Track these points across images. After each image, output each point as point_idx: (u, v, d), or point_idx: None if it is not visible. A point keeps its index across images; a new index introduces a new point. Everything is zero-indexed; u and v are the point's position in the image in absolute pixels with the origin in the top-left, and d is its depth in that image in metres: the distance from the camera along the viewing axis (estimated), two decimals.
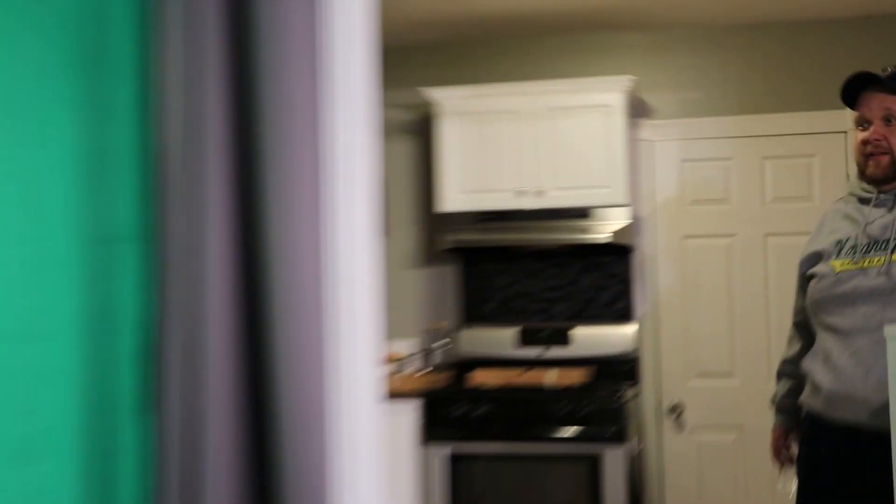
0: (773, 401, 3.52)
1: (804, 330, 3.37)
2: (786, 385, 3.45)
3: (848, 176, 4.66)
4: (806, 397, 3.25)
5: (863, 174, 3.17)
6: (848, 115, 3.25)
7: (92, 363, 2.19)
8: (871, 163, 3.11)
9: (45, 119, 2.19)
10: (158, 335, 2.23)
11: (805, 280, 3.29)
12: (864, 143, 3.12)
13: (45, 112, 2.21)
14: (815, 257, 3.26)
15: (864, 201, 3.19)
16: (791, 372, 3.41)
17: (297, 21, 2.08)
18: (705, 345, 5.08)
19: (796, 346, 3.40)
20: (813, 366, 3.19)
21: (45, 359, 2.16)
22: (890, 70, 3.12)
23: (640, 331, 5.14)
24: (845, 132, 4.76)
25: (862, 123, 3.13)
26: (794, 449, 3.43)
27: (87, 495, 2.18)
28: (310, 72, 2.07)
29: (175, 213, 2.16)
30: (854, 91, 3.13)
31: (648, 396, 5.09)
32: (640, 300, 5.21)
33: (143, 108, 2.26)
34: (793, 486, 3.43)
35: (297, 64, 2.08)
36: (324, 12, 2.10)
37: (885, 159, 3.09)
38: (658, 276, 5.19)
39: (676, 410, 5.03)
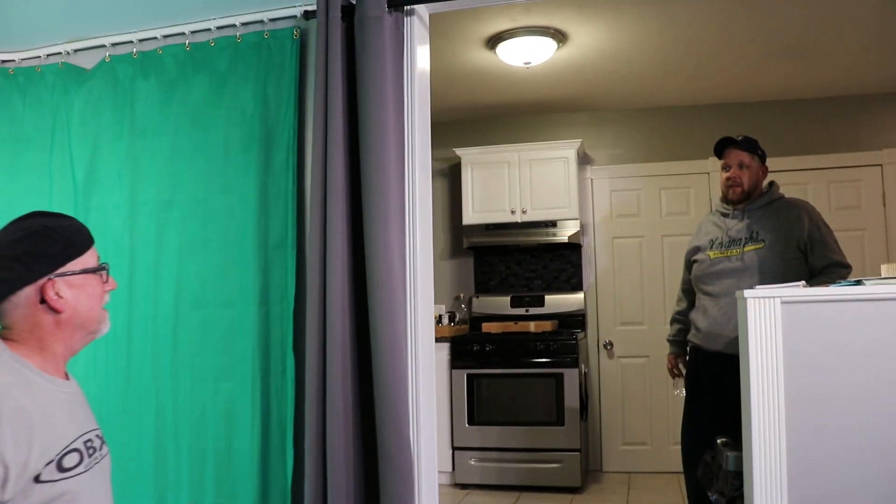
0: (668, 338, 3.85)
1: (688, 294, 3.71)
2: (675, 327, 3.79)
3: (710, 200, 5.00)
4: (691, 336, 3.58)
5: (725, 198, 3.50)
6: (709, 163, 3.47)
7: (262, 321, 2.60)
8: (731, 191, 3.45)
9: (234, 174, 2.65)
10: (302, 303, 2.52)
11: (689, 263, 3.66)
12: (728, 178, 3.46)
13: (234, 170, 2.66)
14: (696, 249, 3.60)
15: (724, 215, 3.51)
16: (679, 319, 3.77)
17: (390, 113, 2.40)
18: (625, 305, 5.57)
19: (683, 304, 3.75)
20: (696, 316, 3.53)
21: (236, 318, 2.62)
22: (740, 136, 3.48)
23: (586, 296, 5.62)
24: (708, 173, 5.30)
25: (725, 168, 3.47)
26: (682, 368, 3.75)
27: (260, 402, 2.53)
28: (398, 143, 2.47)
29: (312, 230, 2.44)
30: (720, 147, 3.52)
31: (591, 337, 5.59)
32: (586, 277, 5.67)
33: (293, 167, 2.62)
34: (682, 391, 3.70)
35: (389, 138, 2.40)
36: (405, 106, 2.51)
37: (739, 189, 3.42)
38: (597, 263, 5.66)
39: (608, 346, 5.54)
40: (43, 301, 1.54)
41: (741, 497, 2.34)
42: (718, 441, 2.68)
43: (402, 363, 2.32)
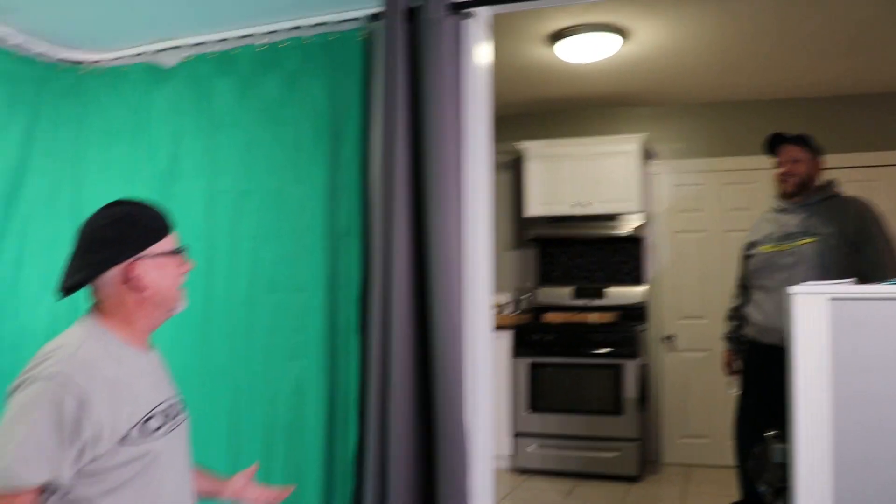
0: (724, 335, 3.87)
1: (743, 289, 3.73)
2: (732, 324, 3.80)
3: (774, 196, 5.20)
4: (747, 330, 3.60)
5: (781, 193, 3.54)
6: (771, 160, 3.57)
7: (329, 304, 2.73)
8: (786, 183, 3.49)
9: (305, 166, 2.78)
10: (366, 288, 2.64)
11: (745, 258, 3.68)
12: (781, 173, 3.52)
13: (306, 163, 2.78)
14: (751, 245, 3.64)
15: (780, 211, 3.56)
16: (735, 316, 3.78)
17: (449, 110, 2.50)
18: (687, 298, 5.56)
19: (738, 300, 3.75)
20: (751, 310, 3.56)
21: (306, 301, 2.74)
22: (791, 133, 3.53)
23: (648, 289, 5.64)
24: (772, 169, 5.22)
25: (779, 164, 3.54)
26: (736, 365, 3.76)
27: (327, 380, 2.67)
28: (457, 138, 2.54)
29: (376, 220, 2.56)
30: (773, 144, 3.58)
31: (653, 330, 5.59)
32: (649, 270, 5.68)
33: (359, 160, 2.74)
34: (735, 388, 3.72)
35: (449, 134, 2.50)
36: (464, 104, 2.58)
37: (794, 180, 3.46)
38: (659, 256, 5.67)
39: (670, 339, 5.55)
40: (127, 281, 1.69)
41: (787, 488, 2.32)
42: (767, 434, 2.68)
43: (456, 346, 2.43)
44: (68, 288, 1.71)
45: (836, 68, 4.74)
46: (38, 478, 1.48)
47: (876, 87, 5.15)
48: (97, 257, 1.68)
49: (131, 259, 1.69)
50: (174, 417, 1.76)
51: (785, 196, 3.52)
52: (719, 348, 4.10)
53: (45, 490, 1.52)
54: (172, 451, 1.71)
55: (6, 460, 1.47)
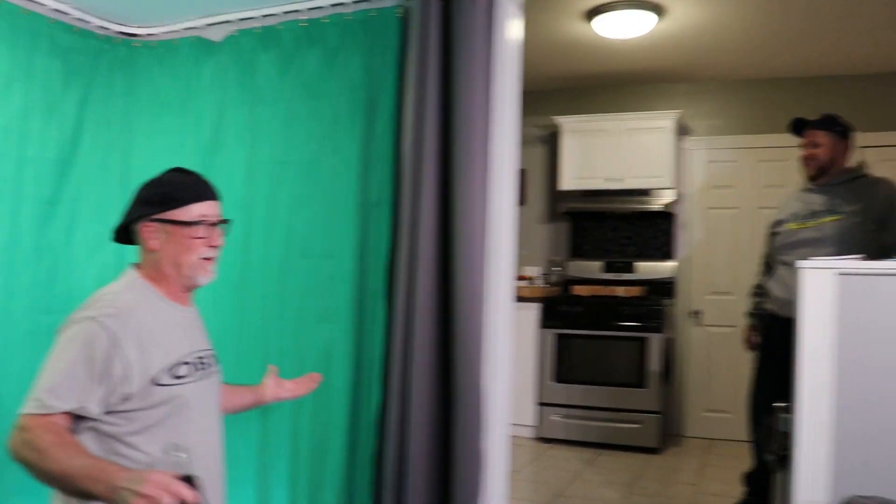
0: (747, 311, 3.98)
1: (767, 266, 3.83)
2: (754, 300, 3.92)
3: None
4: (767, 304, 3.69)
5: (804, 175, 3.67)
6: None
7: (359, 271, 2.82)
8: (807, 167, 3.61)
9: (341, 139, 2.88)
10: (394, 256, 2.73)
11: (772, 235, 3.77)
12: (803, 157, 3.64)
13: (342, 135, 2.88)
14: (778, 223, 3.73)
15: (808, 191, 3.64)
16: (758, 292, 3.89)
17: (480, 85, 2.56)
18: (716, 274, 5.63)
19: (762, 277, 3.87)
20: (773, 284, 3.66)
21: (335, 268, 2.85)
22: (816, 117, 3.60)
23: (677, 265, 5.71)
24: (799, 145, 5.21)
25: (804, 146, 3.64)
26: (755, 339, 3.88)
27: (354, 343, 2.80)
28: (485, 114, 2.58)
29: (405, 191, 2.64)
30: (797, 128, 3.69)
31: (680, 304, 5.68)
32: (679, 246, 5.75)
33: (392, 133, 2.81)
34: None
35: (478, 109, 2.57)
36: (494, 80, 2.63)
37: (813, 164, 3.57)
38: (691, 232, 5.72)
39: (697, 314, 5.64)
40: (141, 240, 1.87)
41: (789, 457, 2.41)
42: (776, 405, 2.73)
43: (477, 314, 2.53)
44: (114, 235, 1.94)
45: (875, 44, 4.72)
46: (65, 405, 1.64)
47: None
48: (129, 210, 1.88)
49: (146, 219, 1.84)
50: (205, 368, 1.91)
51: (808, 176, 3.61)
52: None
53: (76, 418, 1.68)
54: (202, 398, 1.87)
55: (40, 390, 1.65)
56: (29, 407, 1.65)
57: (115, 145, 3.21)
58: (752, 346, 3.93)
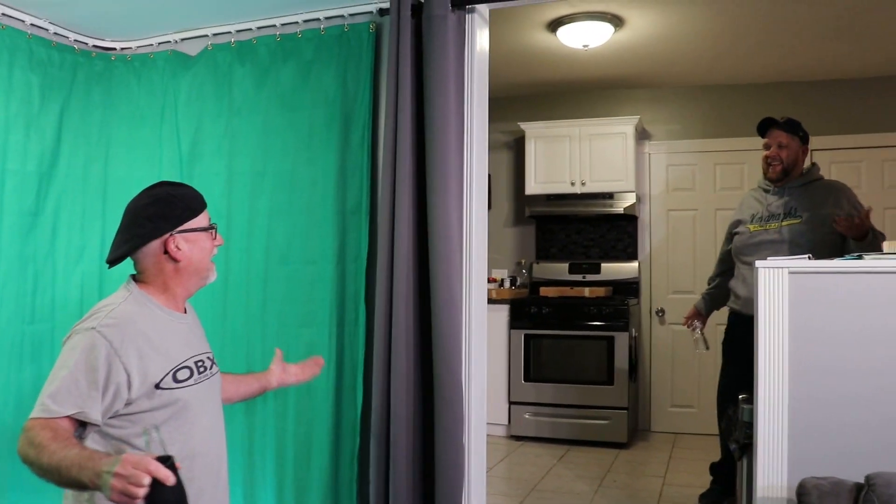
0: (701, 295, 4.15)
1: (722, 263, 4.02)
2: (708, 287, 4.13)
3: (762, 176, 5.14)
4: (731, 303, 3.80)
5: (765, 175, 3.70)
6: (762, 141, 3.66)
7: (338, 276, 2.94)
8: (770, 168, 3.66)
9: (317, 149, 2.99)
10: (372, 260, 2.87)
11: (730, 235, 3.88)
12: (767, 157, 3.67)
13: (318, 146, 2.99)
14: (737, 223, 3.81)
15: (765, 191, 3.71)
16: (710, 283, 4.11)
17: (451, 97, 2.71)
18: (678, 274, 5.78)
19: (716, 270, 4.09)
20: (735, 284, 3.77)
21: (316, 273, 2.96)
22: (782, 118, 3.68)
23: (640, 265, 5.87)
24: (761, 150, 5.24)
25: (766, 146, 3.68)
26: (699, 324, 4.05)
27: (336, 345, 2.90)
28: (458, 124, 2.72)
29: (383, 198, 2.75)
30: (763, 127, 3.73)
31: (644, 304, 5.84)
32: (642, 247, 5.90)
33: (368, 143, 2.93)
34: (702, 345, 4.03)
35: (450, 120, 2.70)
36: (465, 92, 2.79)
37: (778, 167, 3.63)
38: (652, 233, 5.88)
39: (660, 313, 5.80)
40: (166, 252, 1.93)
41: (752, 444, 2.55)
42: (740, 396, 2.88)
43: (456, 315, 2.65)
44: (114, 259, 1.95)
45: (825, 53, 4.92)
46: (66, 410, 1.72)
47: (863, 72, 5.34)
48: (140, 231, 1.92)
49: (169, 233, 1.92)
50: (204, 371, 2.00)
51: (770, 178, 3.70)
52: (707, 321, 4.27)
53: (80, 423, 1.76)
54: (203, 399, 1.96)
55: (44, 396, 1.73)
56: (34, 412, 1.73)
57: (93, 157, 3.29)
58: (692, 327, 4.08)
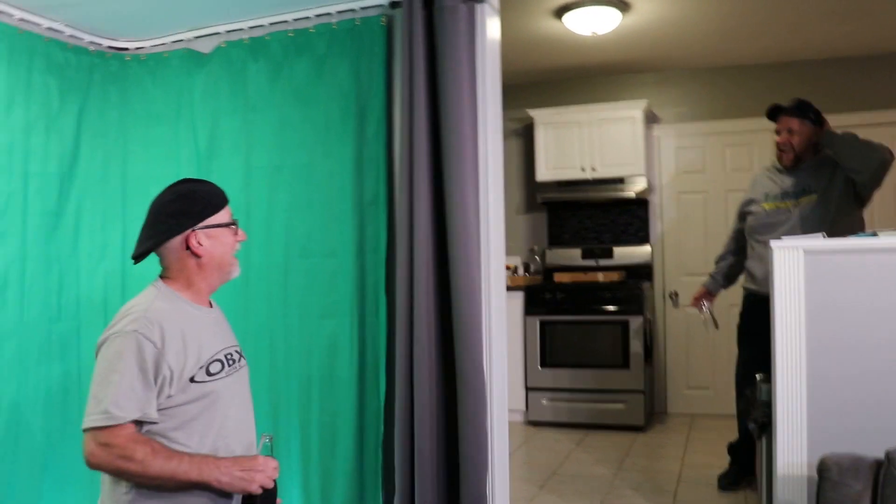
0: (710, 274, 4.15)
1: (734, 241, 4.03)
2: (717, 266, 4.14)
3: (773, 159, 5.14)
4: (747, 283, 3.84)
5: (780, 161, 3.72)
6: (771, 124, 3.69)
7: (358, 267, 2.96)
8: (783, 156, 3.67)
9: (333, 142, 3.01)
10: (392, 251, 2.93)
11: (742, 215, 3.89)
12: (778, 144, 3.68)
13: (334, 139, 3.00)
14: (750, 202, 3.82)
15: (779, 171, 3.73)
16: (720, 261, 4.11)
17: (465, 87, 2.72)
18: (690, 257, 5.79)
19: (725, 249, 4.10)
20: (752, 264, 3.77)
21: (337, 266, 2.99)
22: (791, 102, 3.66)
23: (652, 249, 5.90)
24: (770, 130, 4.85)
25: (778, 132, 3.68)
26: (707, 303, 4.08)
27: (358, 336, 2.93)
28: (472, 113, 2.73)
29: (400, 189, 2.82)
30: (773, 113, 3.73)
31: (657, 287, 5.88)
32: (653, 231, 5.94)
33: (383, 135, 2.95)
34: (711, 325, 4.05)
35: (465, 109, 2.72)
36: (477, 81, 2.78)
37: (790, 155, 3.64)
38: (663, 217, 5.92)
39: (673, 295, 5.64)
40: (188, 248, 1.97)
41: (770, 423, 2.61)
42: (758, 376, 2.94)
43: (476, 302, 2.68)
44: (139, 255, 1.99)
45: (831, 32, 4.92)
46: (131, 415, 1.78)
47: (869, 50, 5.34)
48: (163, 227, 1.96)
49: (192, 229, 1.96)
50: (234, 363, 2.05)
51: (782, 165, 3.72)
52: (720, 303, 4.31)
53: (138, 423, 1.82)
54: (233, 390, 2.01)
55: (104, 404, 1.77)
56: (96, 420, 1.77)
57: (112, 156, 3.33)
58: (699, 306, 4.11)
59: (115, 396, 1.77)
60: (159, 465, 1.76)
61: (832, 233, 3.00)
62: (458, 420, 2.67)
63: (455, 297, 2.68)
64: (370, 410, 2.92)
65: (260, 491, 1.85)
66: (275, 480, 1.90)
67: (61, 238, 3.14)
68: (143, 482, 1.79)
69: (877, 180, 3.44)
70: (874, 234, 2.44)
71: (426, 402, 2.68)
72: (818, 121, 3.67)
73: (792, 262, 2.46)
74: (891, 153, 3.43)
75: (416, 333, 2.70)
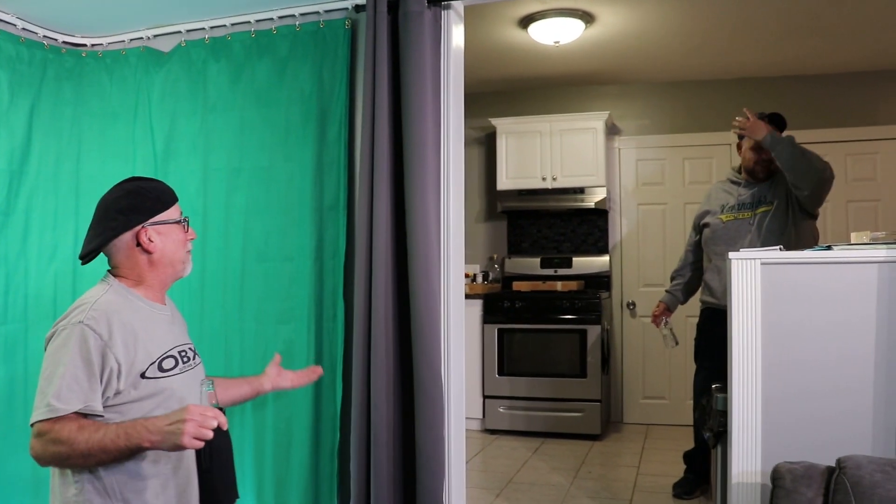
0: (666, 291, 4.17)
1: (690, 254, 4.05)
2: (673, 283, 4.15)
3: (732, 169, 4.96)
4: (705, 297, 3.84)
5: (751, 173, 3.65)
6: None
7: (316, 273, 2.92)
8: (761, 169, 3.62)
9: (293, 145, 2.97)
10: (350, 258, 2.88)
11: (698, 227, 3.91)
12: (761, 160, 3.60)
13: (295, 142, 2.97)
14: (705, 213, 3.83)
15: (734, 183, 3.76)
16: (676, 276, 4.12)
17: (428, 93, 2.71)
18: (649, 268, 5.85)
19: (683, 261, 4.11)
20: (709, 276, 3.77)
21: (294, 270, 2.93)
22: (767, 114, 3.63)
23: (611, 259, 5.94)
24: (729, 144, 5.34)
25: (757, 149, 3.59)
26: (666, 318, 4.08)
27: (315, 342, 2.90)
28: (434, 119, 2.73)
29: (360, 195, 2.83)
30: (783, 122, 3.65)
31: (615, 297, 5.91)
32: (612, 241, 5.97)
33: (344, 139, 2.91)
34: (671, 342, 4.05)
35: (427, 115, 2.71)
36: (442, 88, 2.83)
37: (766, 168, 3.59)
38: (622, 227, 5.96)
39: (630, 305, 5.86)
40: (139, 244, 1.96)
41: (726, 432, 2.61)
42: (714, 386, 2.93)
43: (435, 309, 2.67)
44: (87, 254, 1.97)
45: (795, 49, 5.02)
46: (72, 407, 1.75)
47: (832, 68, 5.44)
48: (112, 223, 1.95)
49: (142, 225, 1.96)
50: (188, 361, 2.03)
51: (756, 178, 3.68)
52: (678, 314, 4.34)
53: (82, 416, 1.78)
54: (186, 389, 1.98)
55: (48, 396, 1.75)
56: (40, 414, 1.75)
57: (65, 155, 3.25)
58: (659, 322, 4.10)
59: (58, 389, 1.75)
60: (85, 439, 1.71)
61: (789, 245, 3.05)
62: (416, 427, 2.65)
63: (414, 304, 2.66)
64: (326, 416, 2.88)
65: (199, 444, 1.69)
66: (226, 432, 1.77)
67: (9, 238, 3.05)
68: (79, 463, 1.75)
69: (817, 197, 3.49)
70: (829, 248, 2.47)
71: (383, 408, 2.66)
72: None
73: (749, 273, 2.48)
74: (831, 170, 3.47)
75: (373, 339, 2.68)
